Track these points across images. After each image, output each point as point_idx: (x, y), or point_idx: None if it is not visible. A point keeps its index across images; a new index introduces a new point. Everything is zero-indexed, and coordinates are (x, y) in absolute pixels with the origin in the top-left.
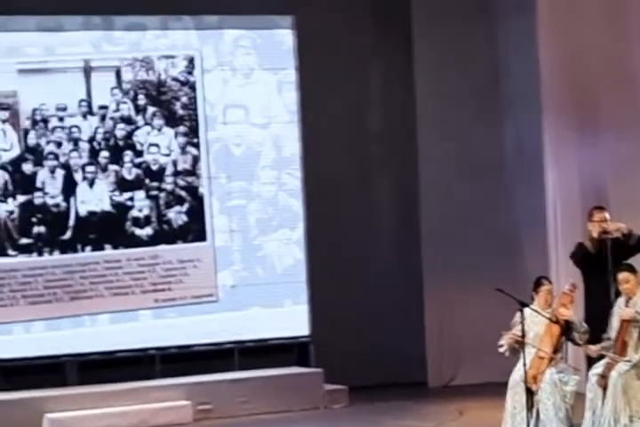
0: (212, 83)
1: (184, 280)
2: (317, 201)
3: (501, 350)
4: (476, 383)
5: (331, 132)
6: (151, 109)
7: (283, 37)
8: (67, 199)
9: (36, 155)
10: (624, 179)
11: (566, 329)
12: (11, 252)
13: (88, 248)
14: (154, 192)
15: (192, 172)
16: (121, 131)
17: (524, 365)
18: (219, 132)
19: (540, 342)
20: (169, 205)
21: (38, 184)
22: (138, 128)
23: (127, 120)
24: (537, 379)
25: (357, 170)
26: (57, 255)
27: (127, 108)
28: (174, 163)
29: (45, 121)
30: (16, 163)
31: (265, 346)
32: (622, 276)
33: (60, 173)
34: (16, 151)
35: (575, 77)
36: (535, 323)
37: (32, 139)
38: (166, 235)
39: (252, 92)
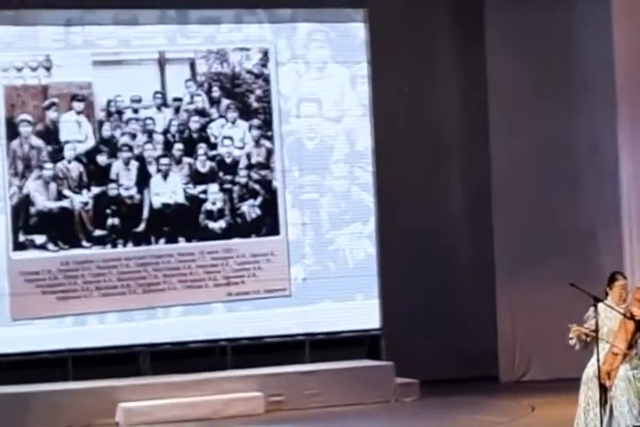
0: (286, 76)
1: (257, 274)
2: (389, 195)
3: (571, 343)
4: (548, 379)
5: (402, 126)
6: (225, 102)
7: (356, 31)
8: (141, 191)
9: (111, 146)
10: None
11: None
12: (85, 243)
13: (162, 240)
14: (227, 185)
15: (266, 165)
16: (195, 123)
17: (598, 360)
18: (292, 126)
19: (613, 338)
20: (242, 199)
21: (112, 176)
22: (212, 121)
23: (201, 112)
24: (610, 375)
25: (429, 165)
26: (130, 247)
27: (201, 101)
28: (248, 156)
29: (120, 113)
30: (91, 154)
31: (336, 339)
32: None
33: (134, 164)
34: (91, 143)
35: None
36: (609, 318)
37: (106, 130)
38: (239, 228)
39: (325, 85)
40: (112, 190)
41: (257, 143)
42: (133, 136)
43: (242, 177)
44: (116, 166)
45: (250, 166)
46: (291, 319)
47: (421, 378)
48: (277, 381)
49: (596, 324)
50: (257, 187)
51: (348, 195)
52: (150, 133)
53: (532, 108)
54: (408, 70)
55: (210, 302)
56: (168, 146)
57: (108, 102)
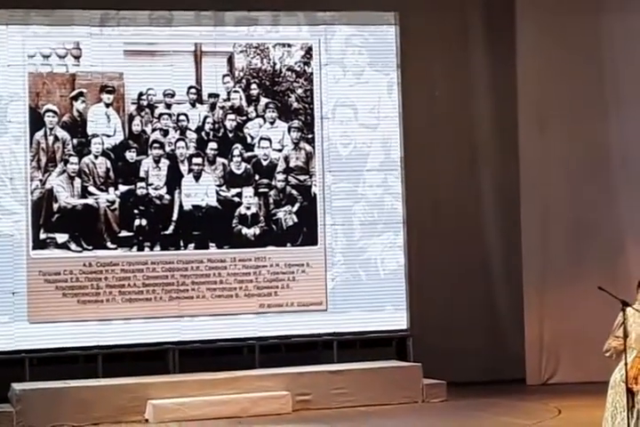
0: (324, 79)
1: (291, 285)
2: (418, 203)
3: (607, 355)
4: (575, 382)
5: (432, 133)
6: (264, 100)
7: (389, 35)
8: (171, 192)
9: (141, 142)
10: None
11: None
12: (110, 244)
13: (191, 245)
14: (263, 189)
15: (305, 169)
16: (231, 122)
17: (626, 365)
18: (327, 131)
19: None
20: (278, 204)
21: (141, 174)
22: (249, 120)
23: (238, 111)
24: (638, 380)
25: (459, 172)
26: (158, 251)
27: (239, 98)
28: (286, 159)
29: (152, 107)
30: (119, 150)
31: (363, 339)
32: None
33: (164, 163)
34: (119, 137)
35: None
36: (638, 323)
37: (137, 125)
38: (275, 235)
39: (361, 91)
40: (140, 189)
41: (296, 146)
42: (165, 132)
43: (279, 181)
44: (146, 164)
45: (288, 170)
46: (320, 326)
47: (449, 379)
48: (305, 380)
49: (625, 328)
50: (295, 192)
51: (381, 203)
52: (183, 131)
53: (563, 117)
54: (439, 76)
55: (240, 314)
56: (201, 145)
57: (140, 95)
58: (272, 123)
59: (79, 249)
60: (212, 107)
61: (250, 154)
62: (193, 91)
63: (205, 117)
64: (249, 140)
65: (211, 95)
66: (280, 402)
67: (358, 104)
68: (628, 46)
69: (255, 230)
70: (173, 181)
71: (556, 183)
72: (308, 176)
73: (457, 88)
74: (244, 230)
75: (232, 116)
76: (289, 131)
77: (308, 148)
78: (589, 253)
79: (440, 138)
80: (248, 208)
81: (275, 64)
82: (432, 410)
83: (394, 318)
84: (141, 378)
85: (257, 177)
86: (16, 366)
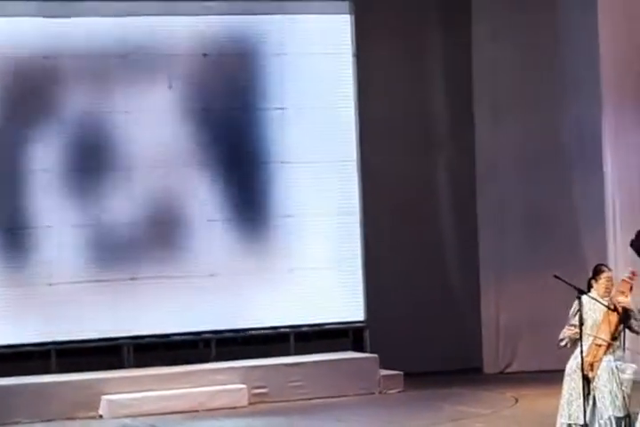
0: (280, 68)
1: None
2: (374, 188)
3: (562, 344)
4: (532, 370)
5: (388, 122)
6: None
7: (341, 23)
8: None
9: None
10: None
11: (624, 317)
12: None
13: None
14: None
15: None
16: None
17: (582, 352)
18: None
19: (597, 330)
20: None
21: None
22: None
23: None
24: (594, 366)
25: (415, 159)
26: None
27: None
28: None
29: None
30: None
31: (320, 331)
32: None
33: None
34: None
35: (637, 62)
36: (593, 311)
37: None
38: None
39: (316, 80)
40: None
41: None
42: None
43: None
44: None
45: None
46: (276, 311)
47: (405, 370)
48: (261, 373)
49: (580, 316)
50: None
51: (336, 193)
52: None
53: (518, 108)
54: (394, 65)
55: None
56: None
57: None
58: None
59: None
60: None
61: None
62: None
63: None
64: None
65: None
66: (236, 395)
67: (313, 94)
68: (582, 36)
69: None
70: None
71: (511, 172)
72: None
73: (412, 77)
74: None
75: None
76: None
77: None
78: (545, 242)
79: (396, 127)
80: None
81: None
82: (389, 401)
83: (350, 309)
84: (96, 373)
85: None
86: None
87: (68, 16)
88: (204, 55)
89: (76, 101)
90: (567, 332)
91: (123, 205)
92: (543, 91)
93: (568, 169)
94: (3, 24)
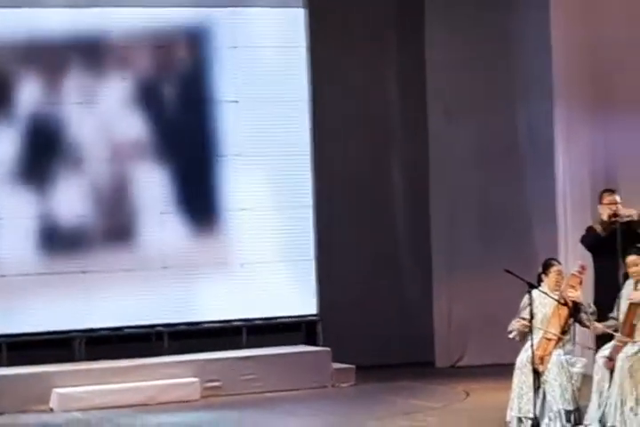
0: (232, 62)
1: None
2: (327, 181)
3: (511, 336)
4: (483, 364)
5: (342, 118)
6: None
7: (295, 15)
8: None
9: None
10: (635, 163)
11: (574, 311)
12: None
13: None
14: None
15: None
16: None
17: (532, 346)
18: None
19: (547, 324)
20: None
21: None
22: None
23: None
24: (544, 360)
25: (368, 154)
26: None
27: None
28: None
29: None
30: None
31: (273, 324)
32: (631, 259)
33: None
34: None
35: (588, 62)
36: (543, 305)
37: None
38: None
39: (269, 75)
40: None
41: None
42: None
43: None
44: None
45: None
46: (227, 303)
47: (358, 363)
48: (214, 366)
49: (531, 310)
50: None
51: (289, 186)
52: None
53: (471, 106)
54: (347, 57)
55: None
56: None
57: None
58: None
59: None
60: None
61: None
62: None
63: None
64: None
65: None
66: (188, 389)
67: (267, 88)
68: (533, 31)
69: None
70: None
71: (464, 169)
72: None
73: (367, 73)
74: None
75: None
76: None
77: None
78: (498, 237)
79: (350, 121)
80: None
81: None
82: (341, 395)
83: (303, 302)
84: (46, 366)
85: None
86: None
87: (20, 6)
88: (158, 47)
89: (27, 94)
90: (516, 324)
91: (73, 197)
92: (496, 89)
93: (521, 166)
94: None
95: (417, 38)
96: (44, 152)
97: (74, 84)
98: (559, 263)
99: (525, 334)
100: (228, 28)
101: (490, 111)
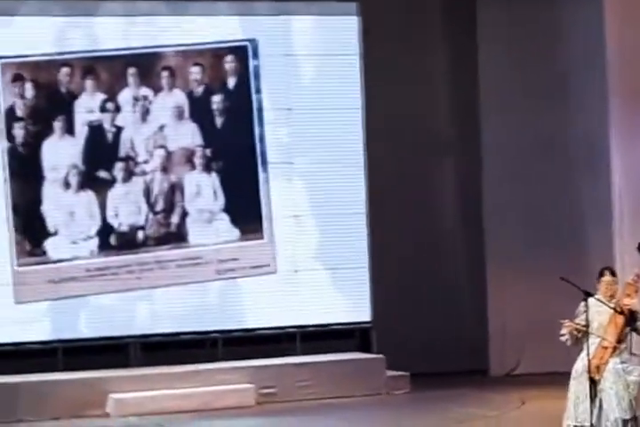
0: (287, 69)
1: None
2: (379, 191)
3: (562, 339)
4: (538, 373)
5: (393, 121)
6: None
7: (348, 24)
8: None
9: None
10: None
11: (630, 319)
12: None
13: None
14: None
15: None
16: None
17: (588, 354)
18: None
19: (603, 332)
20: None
21: None
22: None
23: None
24: (600, 369)
25: (421, 162)
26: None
27: None
28: None
29: None
30: None
31: (326, 331)
32: None
33: None
34: None
35: None
36: (599, 313)
37: None
38: None
39: (323, 82)
40: None
41: None
42: None
43: None
44: None
45: None
46: (283, 311)
47: (412, 371)
48: (269, 373)
49: (587, 318)
50: None
51: (342, 194)
52: None
53: (524, 105)
54: (400, 65)
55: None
56: None
57: None
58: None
59: None
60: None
61: None
62: None
63: None
64: None
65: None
66: (243, 395)
67: (319, 96)
68: (586, 34)
69: None
70: None
71: (518, 170)
72: None
73: (418, 78)
74: None
75: None
76: None
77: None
78: (551, 244)
79: (402, 128)
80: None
81: None
82: (395, 402)
83: (357, 309)
84: (102, 372)
85: None
86: None
87: (77, 15)
88: (211, 56)
89: (85, 103)
90: (568, 328)
91: (128, 203)
92: (550, 90)
93: (575, 173)
94: None
95: (468, 42)
96: (102, 159)
97: (129, 94)
98: (612, 274)
99: (578, 338)
100: (280, 36)
101: (540, 109)
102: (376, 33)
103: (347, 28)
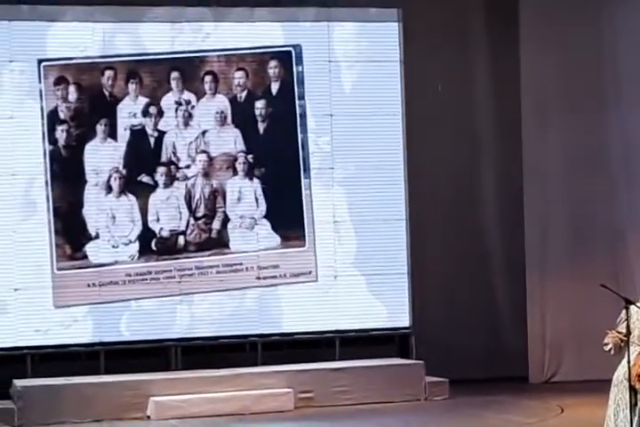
0: (328, 75)
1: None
2: (421, 195)
3: (606, 348)
4: (578, 380)
5: (434, 127)
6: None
7: (389, 30)
8: None
9: None
10: None
11: None
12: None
13: None
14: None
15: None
16: None
17: (629, 362)
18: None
19: None
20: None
21: None
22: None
23: None
24: None
25: (461, 166)
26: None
27: None
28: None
29: None
30: None
31: (365, 336)
32: None
33: None
34: None
35: None
36: None
37: None
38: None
39: (364, 87)
40: None
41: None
42: None
43: None
44: None
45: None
46: (322, 316)
47: (451, 377)
48: (307, 377)
49: (628, 326)
50: None
51: (382, 199)
52: None
53: (565, 110)
54: (441, 70)
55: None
56: None
57: None
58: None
59: None
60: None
61: None
62: None
63: None
64: None
65: None
66: (282, 399)
67: (361, 102)
68: (629, 40)
69: None
70: None
71: (558, 176)
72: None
73: (460, 82)
74: None
75: None
76: None
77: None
78: (592, 252)
79: (444, 133)
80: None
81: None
82: (435, 408)
83: (396, 315)
84: (143, 375)
85: None
86: (18, 363)
87: (123, 21)
88: (253, 62)
89: (129, 107)
90: (612, 338)
91: (170, 208)
92: (590, 93)
93: (615, 178)
94: None
95: (509, 45)
96: (143, 164)
97: (172, 99)
98: None
99: (621, 347)
100: (322, 42)
101: (583, 114)
102: (417, 39)
103: (388, 35)
